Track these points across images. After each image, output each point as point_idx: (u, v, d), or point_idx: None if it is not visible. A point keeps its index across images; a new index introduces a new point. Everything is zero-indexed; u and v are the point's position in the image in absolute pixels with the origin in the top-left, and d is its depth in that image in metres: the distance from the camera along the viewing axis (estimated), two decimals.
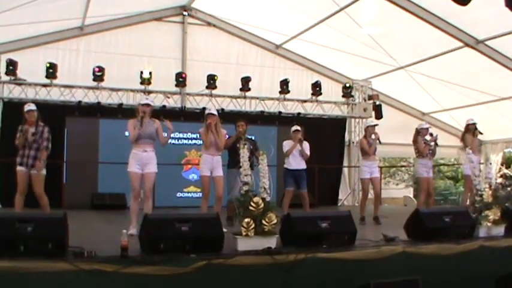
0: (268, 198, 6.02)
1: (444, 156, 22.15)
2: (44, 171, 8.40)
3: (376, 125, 10.48)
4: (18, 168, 8.32)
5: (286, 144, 10.01)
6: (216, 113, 8.64)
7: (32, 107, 8.49)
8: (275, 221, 5.92)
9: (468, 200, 10.21)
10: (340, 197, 17.32)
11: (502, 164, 19.14)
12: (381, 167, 19.99)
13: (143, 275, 5.00)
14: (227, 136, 8.97)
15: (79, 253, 5.17)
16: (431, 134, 10.41)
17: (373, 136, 10.22)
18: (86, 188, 13.96)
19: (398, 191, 26.85)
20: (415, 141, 10.37)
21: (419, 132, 10.33)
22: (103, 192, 13.97)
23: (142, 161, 7.77)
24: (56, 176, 13.57)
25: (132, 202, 7.78)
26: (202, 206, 8.51)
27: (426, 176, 10.31)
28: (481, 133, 10.84)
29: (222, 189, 8.53)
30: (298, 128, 10.07)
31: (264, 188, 6.02)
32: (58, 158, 13.48)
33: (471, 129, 10.76)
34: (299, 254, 5.63)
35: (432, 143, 10.34)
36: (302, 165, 10.01)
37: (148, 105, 7.99)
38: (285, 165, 10.04)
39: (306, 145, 10.03)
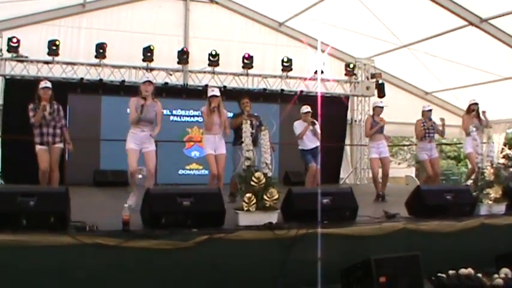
0: (270, 174, 6.02)
1: (446, 136, 22.10)
2: (62, 146, 8.53)
3: (383, 106, 10.40)
4: (40, 147, 8.33)
5: (298, 126, 10.04)
6: (219, 94, 8.58)
7: (48, 84, 8.50)
8: (276, 197, 5.93)
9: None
10: (342, 175, 17.35)
11: (504, 145, 19.09)
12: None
13: (145, 248, 5.03)
14: (230, 114, 8.89)
15: (81, 227, 5.19)
16: (431, 120, 10.36)
17: (379, 117, 10.19)
18: (88, 165, 13.96)
19: (401, 170, 26.82)
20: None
21: (423, 115, 10.36)
22: (105, 169, 13.99)
23: (141, 140, 7.83)
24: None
25: (131, 178, 7.87)
26: (210, 184, 8.53)
27: (427, 158, 10.32)
28: (479, 117, 10.74)
29: (222, 167, 8.53)
30: (309, 109, 10.03)
31: (266, 164, 6.02)
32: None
33: (472, 110, 10.73)
34: (300, 230, 5.65)
35: (430, 127, 10.30)
36: (316, 142, 10.09)
37: (150, 82, 8.02)
38: (301, 147, 10.10)
39: (317, 124, 10.08)
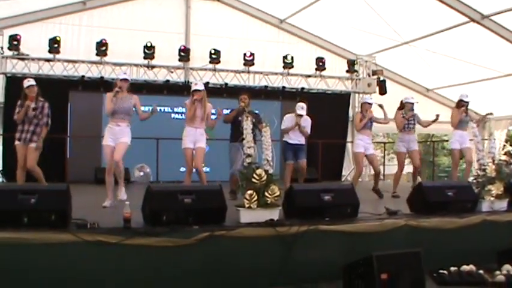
0: (271, 171, 6.01)
1: (448, 133, 22.06)
2: (40, 147, 8.43)
3: (372, 103, 10.35)
4: (17, 143, 8.41)
5: (287, 120, 9.95)
6: (202, 88, 8.53)
7: (32, 82, 8.48)
8: (278, 193, 5.92)
9: (467, 175, 10.26)
10: (343, 172, 17.34)
11: (506, 141, 19.06)
12: (384, 143, 20.07)
13: (146, 246, 5.03)
14: (213, 110, 8.82)
15: (82, 225, 5.21)
16: (412, 110, 10.30)
17: (367, 112, 10.13)
18: (90, 162, 13.95)
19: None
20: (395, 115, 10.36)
21: (403, 106, 10.27)
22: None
23: (116, 135, 7.88)
24: (59, 151, 13.61)
25: (107, 176, 7.89)
26: (186, 180, 8.54)
27: (404, 151, 10.26)
28: (466, 113, 10.65)
29: (200, 161, 8.48)
30: (303, 113, 9.85)
31: (267, 160, 6.01)
32: (62, 133, 13.51)
33: (461, 105, 10.64)
34: (301, 226, 5.66)
35: (410, 118, 10.23)
36: (302, 140, 10.01)
37: (126, 80, 8.10)
38: (285, 139, 9.98)
39: (308, 122, 10.00)
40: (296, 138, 9.91)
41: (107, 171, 7.89)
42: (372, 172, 10.89)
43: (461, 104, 10.60)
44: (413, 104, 10.31)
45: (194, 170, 8.52)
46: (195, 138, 8.45)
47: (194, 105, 8.36)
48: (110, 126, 7.92)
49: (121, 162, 7.90)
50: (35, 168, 8.36)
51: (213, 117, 8.73)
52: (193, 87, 8.53)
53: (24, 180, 8.35)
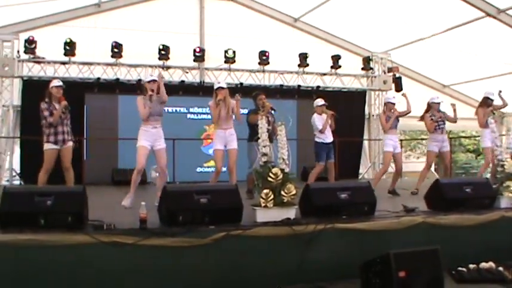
0: (287, 170, 5.97)
1: (465, 129, 21.92)
2: (72, 143, 8.45)
3: (395, 103, 10.29)
4: (51, 146, 8.15)
5: (317, 119, 9.96)
6: (225, 86, 8.58)
7: (60, 82, 8.46)
8: (294, 192, 5.89)
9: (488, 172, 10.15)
10: (360, 170, 17.28)
11: None
12: (401, 140, 19.94)
13: (162, 246, 5.02)
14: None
15: (98, 226, 5.20)
16: (439, 111, 10.22)
17: (392, 111, 10.07)
18: (107, 164, 14.05)
19: (419, 165, 26.64)
20: (422, 117, 10.27)
21: (430, 108, 10.19)
22: (123, 168, 14.03)
23: (153, 137, 7.90)
24: (76, 153, 13.52)
25: (135, 174, 7.86)
26: (212, 181, 8.54)
27: (436, 151, 10.16)
28: (494, 113, 10.55)
29: (234, 161, 8.51)
30: (324, 101, 9.98)
31: (283, 159, 5.98)
32: (78, 135, 13.57)
33: (488, 105, 10.55)
34: (318, 225, 5.62)
35: (440, 119, 10.14)
36: (332, 137, 10.09)
37: (155, 81, 8.06)
38: (320, 139, 9.96)
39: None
40: (330, 137, 10.00)
41: (137, 171, 7.84)
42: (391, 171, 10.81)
43: (489, 103, 10.50)
44: (439, 103, 10.23)
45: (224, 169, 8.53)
46: (225, 140, 8.48)
47: (219, 106, 8.35)
48: (145, 129, 7.91)
49: (165, 169, 8.02)
50: (71, 168, 8.34)
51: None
52: (217, 85, 8.57)
53: (45, 183, 8.27)
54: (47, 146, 8.18)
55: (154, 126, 7.92)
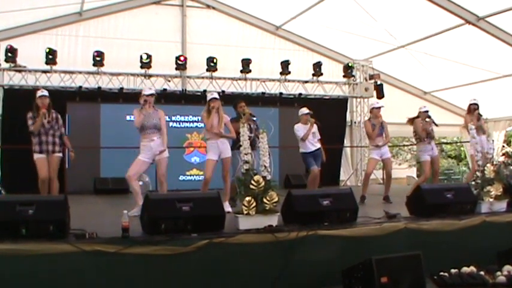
0: (269, 177, 6.00)
1: (446, 135, 22.09)
2: (61, 155, 8.56)
3: (381, 107, 10.34)
4: (39, 156, 8.30)
5: (299, 128, 10.03)
6: (218, 97, 8.58)
7: (45, 92, 8.53)
8: (276, 200, 5.91)
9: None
10: (342, 177, 17.31)
11: (504, 142, 19.07)
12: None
13: (144, 255, 5.01)
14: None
15: (80, 235, 5.18)
16: (429, 117, 10.27)
17: (378, 119, 10.12)
18: (89, 173, 13.94)
19: (401, 171, 26.84)
20: (412, 121, 10.30)
21: (418, 116, 10.24)
22: (106, 177, 13.98)
23: (152, 150, 7.89)
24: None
25: (134, 183, 7.85)
26: (202, 189, 8.52)
27: (429, 159, 10.19)
28: (480, 115, 10.66)
29: (227, 169, 8.49)
30: (308, 110, 10.05)
31: (265, 167, 6.00)
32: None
33: (472, 109, 10.66)
34: (300, 232, 5.63)
35: (430, 127, 10.20)
36: (317, 145, 10.14)
37: (152, 95, 8.13)
38: (303, 150, 10.09)
39: (315, 127, 10.12)
40: (313, 145, 10.04)
41: (128, 178, 7.86)
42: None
43: (474, 108, 10.59)
44: (427, 111, 10.28)
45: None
46: (219, 150, 8.41)
47: (211, 116, 8.35)
48: (144, 144, 7.91)
49: (165, 178, 8.04)
50: (55, 179, 8.39)
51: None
52: (210, 96, 8.54)
53: (47, 192, 8.28)
54: (35, 156, 8.34)
55: (151, 139, 7.89)
